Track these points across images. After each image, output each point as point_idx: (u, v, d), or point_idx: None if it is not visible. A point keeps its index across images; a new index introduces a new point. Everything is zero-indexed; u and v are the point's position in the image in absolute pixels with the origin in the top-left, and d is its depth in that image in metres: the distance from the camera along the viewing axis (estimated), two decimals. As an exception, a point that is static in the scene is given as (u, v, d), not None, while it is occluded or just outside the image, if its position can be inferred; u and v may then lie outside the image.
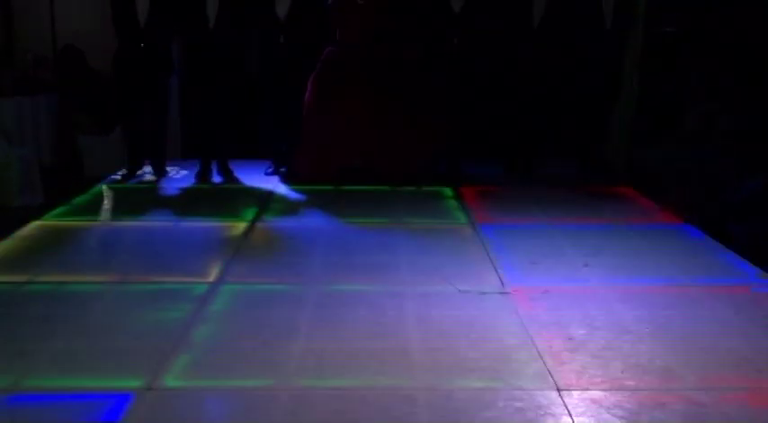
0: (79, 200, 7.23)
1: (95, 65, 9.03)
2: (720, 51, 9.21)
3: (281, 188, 7.69)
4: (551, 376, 3.85)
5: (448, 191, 7.59)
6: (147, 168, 8.12)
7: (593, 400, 3.63)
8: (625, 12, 7.71)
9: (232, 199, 7.36)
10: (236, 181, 7.92)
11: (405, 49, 7.81)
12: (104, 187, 7.71)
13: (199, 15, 7.57)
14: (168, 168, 8.19)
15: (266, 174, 7.92)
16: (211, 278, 5.15)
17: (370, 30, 7.68)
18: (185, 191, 7.64)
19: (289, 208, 7.07)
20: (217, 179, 7.95)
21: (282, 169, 7.96)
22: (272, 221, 6.62)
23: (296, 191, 7.61)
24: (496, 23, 7.74)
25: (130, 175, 8.01)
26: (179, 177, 8.01)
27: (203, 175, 7.90)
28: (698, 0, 9.73)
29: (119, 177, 7.98)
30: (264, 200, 7.24)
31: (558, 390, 3.72)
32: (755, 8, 10.24)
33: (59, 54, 9.30)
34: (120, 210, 7.02)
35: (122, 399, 3.58)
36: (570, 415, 3.51)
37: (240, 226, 6.38)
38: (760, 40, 9.62)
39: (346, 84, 7.61)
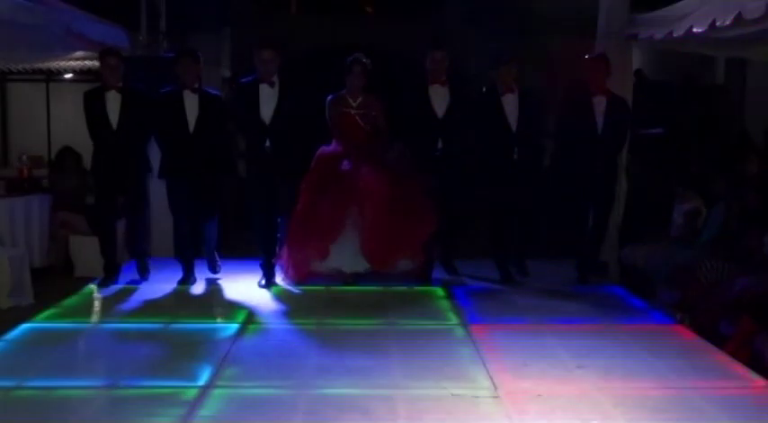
0: (69, 302, 7.19)
1: (88, 164, 9.13)
2: (703, 150, 9.42)
3: (271, 289, 7.67)
4: (546, 484, 3.80)
5: (439, 291, 7.59)
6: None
7: None
8: (617, 116, 7.85)
9: (222, 300, 7.34)
10: (222, 279, 7.91)
11: (394, 150, 7.99)
12: (94, 289, 7.67)
13: (178, 121, 7.60)
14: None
15: (260, 286, 7.86)
16: (202, 382, 5.11)
17: (363, 132, 7.83)
18: (175, 292, 7.60)
19: (279, 309, 7.04)
20: (205, 281, 7.92)
21: (272, 279, 7.87)
22: (262, 323, 6.59)
23: (287, 292, 7.59)
24: (479, 128, 7.92)
25: (108, 280, 7.82)
26: (163, 279, 7.94)
27: (186, 280, 7.83)
28: (679, 102, 10.01)
29: (96, 284, 7.77)
30: (256, 301, 7.21)
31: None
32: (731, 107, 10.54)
33: (57, 155, 9.41)
34: (109, 312, 6.97)
35: None
36: None
37: (231, 328, 6.35)
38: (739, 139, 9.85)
39: (338, 183, 7.70)
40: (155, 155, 7.94)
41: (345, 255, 7.67)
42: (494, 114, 7.83)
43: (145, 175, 7.95)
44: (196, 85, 7.67)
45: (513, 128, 7.82)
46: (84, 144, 9.09)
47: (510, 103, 7.84)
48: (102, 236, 7.92)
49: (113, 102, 7.60)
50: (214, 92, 7.91)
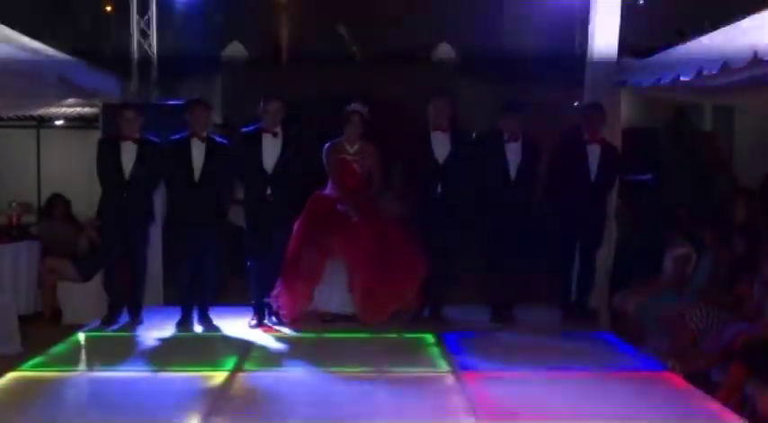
0: (57, 349, 7.12)
1: (78, 212, 9.14)
2: (691, 196, 9.47)
3: (261, 336, 7.61)
4: None
5: (429, 337, 7.53)
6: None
7: None
8: (609, 164, 7.95)
9: (212, 348, 7.29)
10: (217, 329, 7.84)
11: (389, 198, 8.12)
12: (83, 336, 7.61)
13: (185, 168, 7.68)
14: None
15: (250, 326, 7.84)
16: (190, 432, 5.07)
17: (359, 178, 7.98)
18: (165, 340, 7.54)
19: (270, 356, 7.00)
20: (197, 327, 7.88)
21: (262, 319, 7.90)
22: (252, 371, 6.53)
23: (277, 338, 7.55)
24: (479, 174, 7.98)
25: (110, 320, 7.88)
26: (153, 325, 7.91)
27: (184, 324, 7.83)
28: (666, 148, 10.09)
29: (97, 324, 7.84)
30: (245, 348, 7.16)
31: None
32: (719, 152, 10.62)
33: (47, 202, 9.41)
34: (98, 360, 6.91)
35: None
36: None
37: (220, 376, 6.29)
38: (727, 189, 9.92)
39: (331, 226, 7.79)
40: (159, 202, 8.09)
41: (333, 297, 7.81)
42: (495, 160, 7.92)
43: (149, 223, 8.01)
44: (204, 134, 7.76)
45: (512, 176, 7.91)
46: (73, 190, 9.14)
47: (513, 152, 7.94)
48: (108, 276, 8.03)
49: (128, 153, 7.75)
50: (221, 140, 7.99)
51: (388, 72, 14.72)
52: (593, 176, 7.93)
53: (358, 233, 7.76)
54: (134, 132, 7.78)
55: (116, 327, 7.89)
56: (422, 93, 8.45)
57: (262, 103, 7.82)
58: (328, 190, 8.06)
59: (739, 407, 5.49)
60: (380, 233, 7.82)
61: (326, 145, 8.01)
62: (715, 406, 5.61)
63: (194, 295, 7.97)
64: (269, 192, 7.77)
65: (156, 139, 7.93)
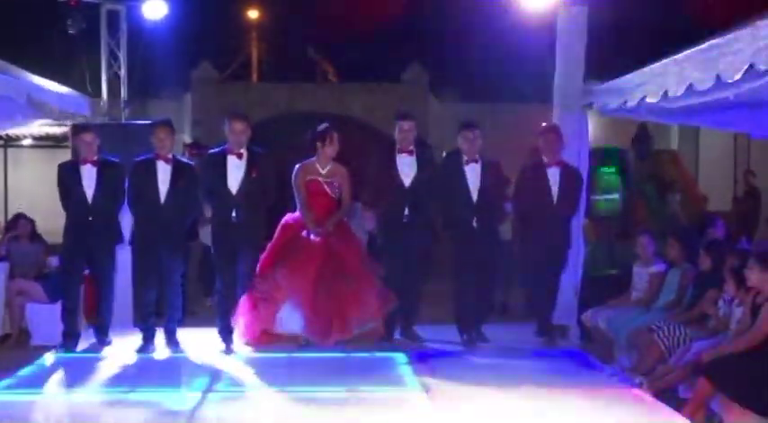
0: (25, 371, 7.06)
1: (46, 232, 9.07)
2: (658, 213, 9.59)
3: (231, 357, 7.58)
4: None
5: (401, 357, 7.54)
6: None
7: None
8: (570, 186, 8.05)
9: (181, 369, 7.22)
10: (183, 351, 7.77)
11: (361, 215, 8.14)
12: (51, 358, 7.55)
13: (150, 190, 7.66)
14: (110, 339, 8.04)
15: (224, 353, 7.77)
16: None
17: (329, 200, 7.91)
18: (135, 362, 7.49)
19: (240, 377, 6.97)
20: (165, 350, 7.82)
21: (231, 344, 7.79)
22: (222, 392, 6.52)
23: (247, 358, 7.51)
24: (441, 195, 8.06)
25: (67, 347, 7.76)
26: (121, 347, 7.86)
27: (144, 349, 7.74)
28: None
29: (55, 350, 7.71)
30: (214, 370, 7.14)
31: None
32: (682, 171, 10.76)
33: (9, 222, 9.32)
34: (66, 382, 6.85)
35: None
36: None
37: (190, 398, 6.26)
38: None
39: (301, 248, 7.73)
40: (126, 223, 8.00)
41: (294, 317, 7.63)
42: (456, 182, 7.94)
43: (115, 245, 7.96)
44: (170, 156, 7.74)
45: (474, 197, 7.93)
46: (41, 209, 9.07)
47: (472, 173, 7.95)
48: (67, 303, 7.87)
49: (89, 176, 7.73)
50: (186, 161, 7.98)
51: (359, 92, 14.81)
52: (555, 199, 8.01)
53: (320, 256, 7.70)
54: (92, 155, 7.76)
55: (80, 352, 7.78)
56: (392, 113, 8.47)
57: (226, 124, 7.80)
58: (298, 213, 7.96)
59: (706, 422, 5.58)
60: (343, 259, 7.77)
61: (296, 166, 7.92)
62: (682, 421, 5.68)
63: (159, 317, 7.92)
64: (234, 214, 7.71)
65: (116, 160, 7.91)
